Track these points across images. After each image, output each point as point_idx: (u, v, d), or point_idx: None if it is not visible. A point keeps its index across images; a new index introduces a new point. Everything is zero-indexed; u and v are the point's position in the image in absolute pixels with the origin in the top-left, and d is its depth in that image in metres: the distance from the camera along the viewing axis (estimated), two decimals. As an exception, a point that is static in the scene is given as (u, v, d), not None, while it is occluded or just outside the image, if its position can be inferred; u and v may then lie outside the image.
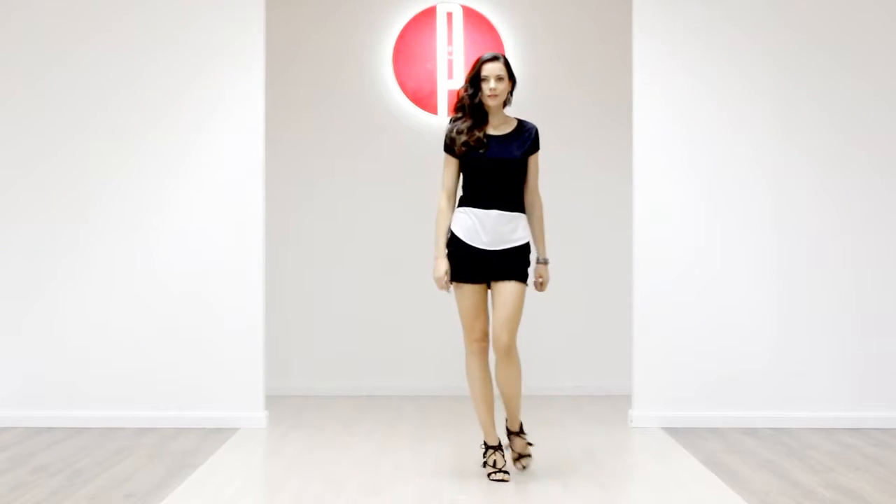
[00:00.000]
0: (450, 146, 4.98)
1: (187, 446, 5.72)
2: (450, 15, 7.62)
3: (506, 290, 4.87)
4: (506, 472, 4.94)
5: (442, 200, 5.00)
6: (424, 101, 7.59)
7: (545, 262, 5.06)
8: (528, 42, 7.68)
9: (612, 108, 7.51)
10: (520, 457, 5.09)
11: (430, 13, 7.64)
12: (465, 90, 4.97)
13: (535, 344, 7.62)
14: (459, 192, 5.02)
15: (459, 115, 4.99)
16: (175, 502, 4.59)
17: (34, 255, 6.30)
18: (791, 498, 4.65)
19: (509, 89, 5.00)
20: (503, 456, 5.01)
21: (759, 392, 6.35)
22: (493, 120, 4.99)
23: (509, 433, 5.11)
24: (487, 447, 5.03)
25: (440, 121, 7.44)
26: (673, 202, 6.39)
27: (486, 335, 4.98)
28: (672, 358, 6.34)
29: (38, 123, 6.36)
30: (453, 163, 4.99)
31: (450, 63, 7.59)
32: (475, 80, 4.94)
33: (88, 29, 6.36)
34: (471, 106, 4.95)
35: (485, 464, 5.02)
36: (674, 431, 6.14)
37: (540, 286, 5.08)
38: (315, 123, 7.65)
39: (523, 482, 4.92)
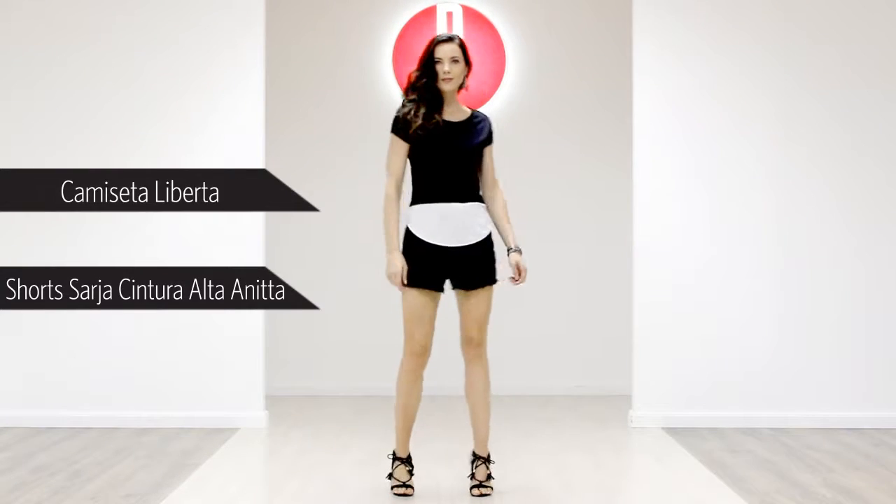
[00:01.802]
0: (402, 129, 4.64)
1: (187, 446, 5.72)
2: (450, 15, 7.62)
3: (477, 296, 4.61)
4: (409, 487, 4.68)
5: (390, 187, 4.66)
6: (424, 100, 7.58)
7: (518, 251, 4.67)
8: (529, 42, 7.68)
9: (613, 108, 7.52)
10: (480, 485, 4.68)
11: (430, 13, 7.64)
12: (417, 72, 4.63)
13: (536, 344, 7.64)
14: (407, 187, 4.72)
15: (413, 97, 4.63)
16: (175, 502, 4.59)
17: (34, 253, 6.29)
18: (791, 498, 4.65)
19: (465, 74, 4.66)
20: (409, 471, 4.72)
21: (759, 392, 6.35)
22: (447, 107, 4.67)
23: (476, 457, 4.73)
24: (395, 458, 4.75)
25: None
26: (673, 201, 6.38)
27: (426, 350, 4.64)
28: (672, 358, 6.34)
29: (38, 123, 6.37)
30: (403, 148, 4.66)
31: (450, 63, 7.58)
32: (429, 62, 4.61)
33: (88, 29, 6.37)
34: (423, 89, 4.62)
35: (390, 475, 4.74)
36: (674, 431, 6.14)
37: (519, 276, 4.65)
38: (315, 123, 7.65)
39: (523, 482, 4.92)
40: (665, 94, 6.39)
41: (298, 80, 7.64)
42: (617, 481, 5.14)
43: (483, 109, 7.61)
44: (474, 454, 4.76)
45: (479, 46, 7.61)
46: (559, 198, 7.67)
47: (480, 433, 4.73)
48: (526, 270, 4.67)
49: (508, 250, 4.70)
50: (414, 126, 4.61)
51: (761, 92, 6.39)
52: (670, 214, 6.38)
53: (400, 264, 4.62)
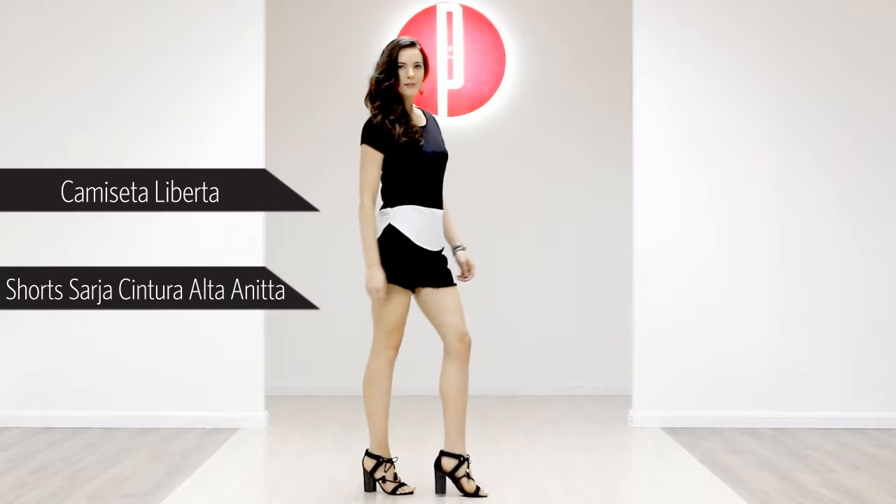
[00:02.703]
0: (379, 139, 4.57)
1: (187, 446, 5.73)
2: (450, 15, 7.62)
3: (451, 294, 4.61)
4: (408, 484, 4.73)
5: (368, 200, 4.59)
6: (424, 101, 7.55)
7: (464, 249, 4.78)
8: (529, 42, 7.68)
9: (614, 107, 7.52)
10: (477, 489, 4.62)
11: (430, 13, 7.64)
12: (380, 77, 4.58)
13: (536, 344, 7.64)
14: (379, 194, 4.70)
15: (378, 103, 4.59)
16: (175, 502, 4.59)
17: (33, 253, 6.29)
18: (791, 498, 4.65)
19: (423, 78, 4.62)
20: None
21: (759, 392, 6.34)
22: (410, 112, 4.66)
23: (461, 461, 4.61)
24: (382, 461, 4.70)
25: (440, 121, 7.44)
26: (673, 200, 6.38)
27: (399, 344, 4.67)
28: (672, 357, 6.34)
29: (39, 124, 6.37)
30: (379, 158, 4.58)
31: (450, 63, 7.59)
32: (391, 66, 4.58)
33: (89, 30, 6.37)
34: (387, 95, 4.58)
35: (383, 479, 4.69)
36: (674, 431, 6.14)
37: (469, 273, 4.77)
38: (315, 123, 7.66)
39: (523, 481, 4.92)
40: (665, 93, 6.39)
41: (298, 81, 7.64)
42: (617, 481, 5.14)
43: (483, 109, 7.65)
44: (458, 457, 4.63)
45: (479, 46, 7.62)
46: (559, 198, 7.67)
47: (460, 425, 4.64)
48: (474, 266, 4.80)
49: (456, 248, 4.79)
50: (398, 133, 4.57)
51: (762, 91, 6.39)
52: (671, 214, 6.38)
53: (381, 278, 4.56)
